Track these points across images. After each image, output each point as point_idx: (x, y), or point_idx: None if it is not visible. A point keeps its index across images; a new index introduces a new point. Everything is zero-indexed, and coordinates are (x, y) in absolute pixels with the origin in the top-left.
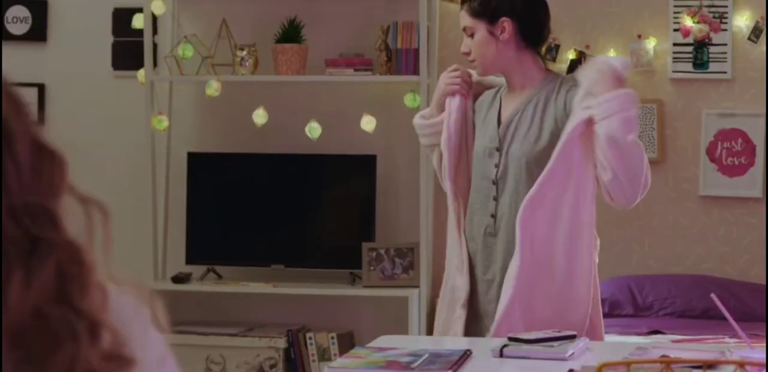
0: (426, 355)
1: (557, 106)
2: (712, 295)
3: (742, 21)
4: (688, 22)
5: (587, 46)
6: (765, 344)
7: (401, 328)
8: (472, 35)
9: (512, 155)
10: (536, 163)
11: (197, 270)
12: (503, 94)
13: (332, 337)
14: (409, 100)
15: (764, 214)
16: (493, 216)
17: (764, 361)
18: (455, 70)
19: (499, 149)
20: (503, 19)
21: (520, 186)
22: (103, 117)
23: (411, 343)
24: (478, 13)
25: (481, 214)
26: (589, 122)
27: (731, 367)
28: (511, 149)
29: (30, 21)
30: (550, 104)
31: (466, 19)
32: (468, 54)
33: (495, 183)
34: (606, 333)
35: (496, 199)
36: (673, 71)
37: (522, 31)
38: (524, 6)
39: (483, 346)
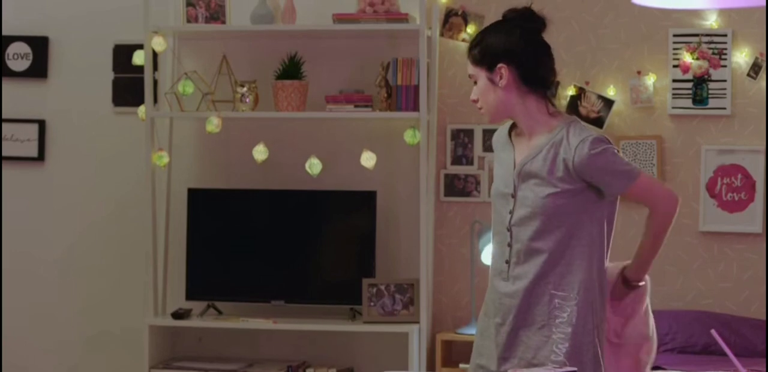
0: None
1: (566, 158)
2: (713, 331)
3: (742, 57)
4: (687, 58)
5: (587, 83)
6: None
7: (401, 364)
8: (475, 82)
9: (525, 204)
10: (549, 214)
11: (197, 306)
12: (515, 136)
13: None
14: (408, 136)
15: (764, 249)
16: (507, 262)
17: None
18: None
19: (513, 196)
20: (500, 65)
21: (535, 236)
22: (104, 153)
23: None
24: (479, 61)
25: (498, 259)
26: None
27: None
28: (524, 197)
29: (31, 57)
30: (559, 155)
31: (469, 68)
32: (476, 102)
33: (509, 229)
34: None
35: (510, 245)
36: (673, 107)
37: (522, 75)
38: (523, 51)
39: None
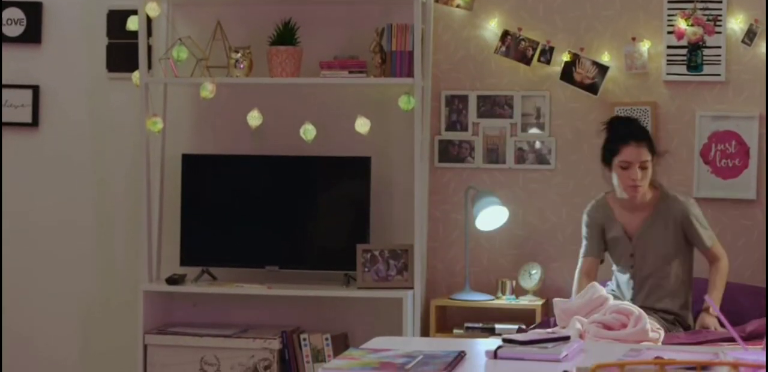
0: (420, 357)
1: (676, 221)
2: (707, 297)
3: (736, 24)
4: (682, 24)
5: (581, 49)
6: (760, 346)
7: (395, 330)
8: (644, 168)
9: (648, 260)
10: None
11: (192, 271)
12: (619, 210)
13: (326, 339)
14: (403, 102)
15: (757, 215)
16: None
17: (758, 362)
18: None
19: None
20: (655, 156)
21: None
22: (98, 119)
23: (405, 344)
24: (651, 150)
25: None
26: None
27: (725, 369)
28: (647, 256)
29: (25, 23)
30: (669, 221)
31: (646, 154)
32: (637, 180)
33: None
34: None
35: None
36: (668, 74)
37: None
38: None
39: (477, 348)
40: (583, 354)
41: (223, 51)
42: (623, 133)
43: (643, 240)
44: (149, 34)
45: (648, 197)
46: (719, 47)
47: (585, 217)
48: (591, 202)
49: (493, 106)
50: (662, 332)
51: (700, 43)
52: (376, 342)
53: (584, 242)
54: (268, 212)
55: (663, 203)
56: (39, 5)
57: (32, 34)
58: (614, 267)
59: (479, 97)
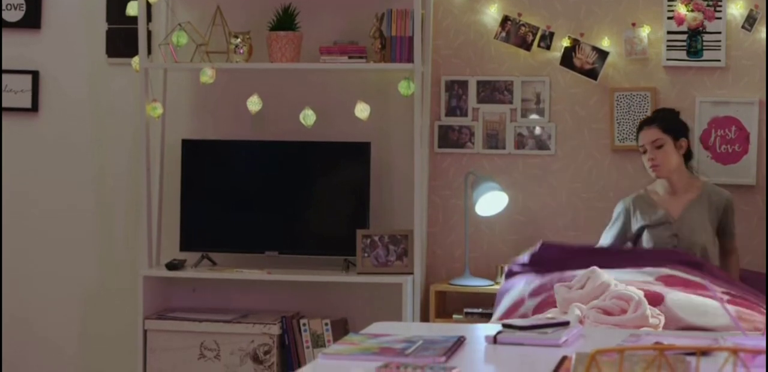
0: (420, 342)
1: (718, 209)
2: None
3: (736, 9)
4: (682, 10)
5: (581, 34)
6: (760, 332)
7: (395, 315)
8: (659, 147)
9: (691, 241)
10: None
11: (191, 257)
12: (660, 197)
13: (326, 324)
14: (403, 87)
15: (756, 201)
16: None
17: (757, 347)
18: None
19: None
20: (683, 139)
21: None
22: (98, 104)
23: (404, 329)
24: (667, 130)
25: None
26: None
27: (725, 354)
28: (692, 237)
29: (24, 8)
30: (712, 207)
31: (657, 134)
32: (654, 159)
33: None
34: None
35: None
36: (668, 59)
37: (687, 150)
38: (688, 133)
39: (477, 333)
40: (583, 339)
41: (222, 36)
42: (640, 123)
43: (686, 221)
44: (149, 19)
45: (690, 183)
46: (719, 33)
47: (618, 206)
48: (631, 195)
49: (493, 91)
50: (662, 318)
51: (700, 28)
52: (376, 327)
53: (607, 228)
54: (268, 197)
55: (706, 191)
56: None
57: (32, 20)
58: None
59: (479, 83)
